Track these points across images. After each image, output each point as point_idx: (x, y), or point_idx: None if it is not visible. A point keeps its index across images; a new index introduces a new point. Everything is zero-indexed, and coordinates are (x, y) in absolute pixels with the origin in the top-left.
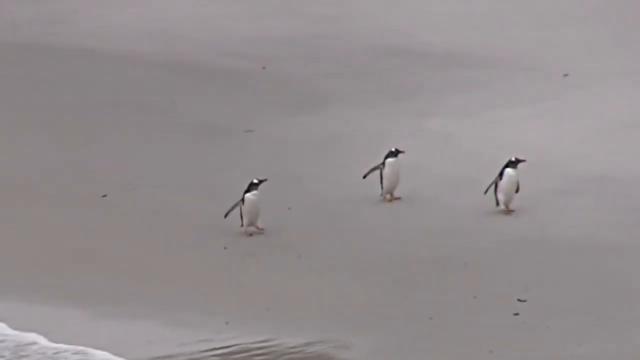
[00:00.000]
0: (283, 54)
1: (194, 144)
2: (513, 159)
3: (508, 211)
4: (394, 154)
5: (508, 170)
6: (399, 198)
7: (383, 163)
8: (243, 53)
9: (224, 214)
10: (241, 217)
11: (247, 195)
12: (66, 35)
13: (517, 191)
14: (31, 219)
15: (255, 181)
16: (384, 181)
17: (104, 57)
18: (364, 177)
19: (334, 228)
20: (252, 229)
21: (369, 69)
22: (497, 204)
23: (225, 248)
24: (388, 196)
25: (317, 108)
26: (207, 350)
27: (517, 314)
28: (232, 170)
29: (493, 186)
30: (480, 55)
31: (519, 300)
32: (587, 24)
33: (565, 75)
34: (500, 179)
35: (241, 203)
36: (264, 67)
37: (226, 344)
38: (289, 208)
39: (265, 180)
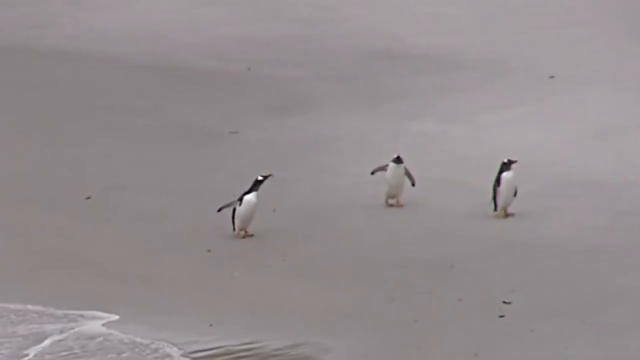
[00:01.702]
0: (269, 57)
1: (179, 146)
2: (505, 160)
3: (507, 215)
4: (396, 160)
5: (505, 175)
6: (401, 205)
7: (387, 165)
8: (228, 55)
9: (208, 215)
10: (233, 218)
11: (247, 196)
12: (50, 38)
13: (514, 195)
14: (15, 220)
15: (260, 178)
16: (385, 185)
17: (89, 59)
18: (372, 173)
19: (319, 231)
20: (243, 232)
21: (355, 71)
22: (495, 209)
23: (209, 250)
24: (390, 200)
25: (303, 110)
26: (191, 353)
27: (502, 316)
28: (217, 172)
29: (492, 193)
30: (466, 57)
31: (504, 302)
32: (574, 26)
33: (552, 77)
34: (499, 184)
35: (238, 203)
36: (249, 68)
37: (210, 346)
38: (274, 210)
39: (271, 175)
